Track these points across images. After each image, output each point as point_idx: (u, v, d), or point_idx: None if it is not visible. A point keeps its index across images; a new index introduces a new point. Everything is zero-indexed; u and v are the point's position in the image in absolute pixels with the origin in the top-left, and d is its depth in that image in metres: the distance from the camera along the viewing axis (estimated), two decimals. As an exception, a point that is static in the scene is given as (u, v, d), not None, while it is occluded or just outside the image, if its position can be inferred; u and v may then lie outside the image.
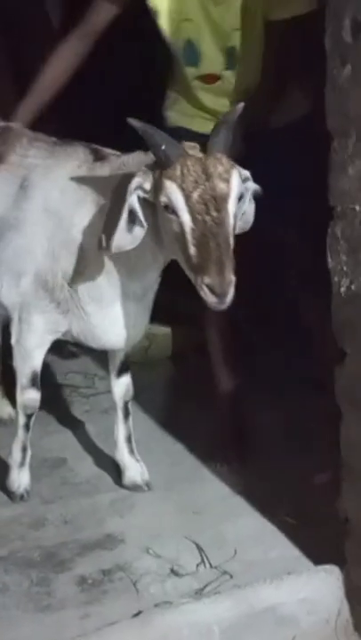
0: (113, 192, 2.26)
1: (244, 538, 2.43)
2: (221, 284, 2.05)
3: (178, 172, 2.09)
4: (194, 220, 2.07)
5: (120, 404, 2.68)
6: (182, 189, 2.08)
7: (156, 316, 2.59)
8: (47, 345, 2.55)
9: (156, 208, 2.19)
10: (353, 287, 1.96)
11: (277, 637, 2.14)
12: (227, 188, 2.09)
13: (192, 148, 2.16)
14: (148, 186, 2.16)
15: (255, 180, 2.21)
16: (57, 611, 2.22)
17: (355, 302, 1.98)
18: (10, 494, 2.63)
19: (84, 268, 2.37)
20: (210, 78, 2.67)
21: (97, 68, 3.22)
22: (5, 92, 3.67)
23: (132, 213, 2.16)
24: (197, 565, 2.34)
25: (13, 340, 2.54)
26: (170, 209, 2.11)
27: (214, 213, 2.07)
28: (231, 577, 2.29)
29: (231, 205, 2.10)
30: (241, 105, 2.16)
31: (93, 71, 2.92)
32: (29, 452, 2.63)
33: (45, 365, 3.34)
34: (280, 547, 2.39)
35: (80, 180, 2.38)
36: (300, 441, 2.79)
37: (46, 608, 2.23)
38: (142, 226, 2.19)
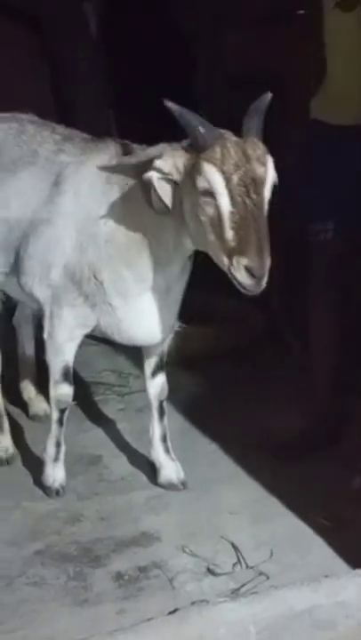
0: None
1: (281, 539, 2.42)
2: (261, 265, 2.08)
3: (218, 155, 2.10)
4: (233, 202, 2.08)
5: (155, 404, 2.68)
6: (222, 172, 2.09)
7: (192, 316, 2.60)
8: (78, 339, 2.57)
9: (181, 193, 2.20)
10: None
11: (314, 640, 2.14)
12: (265, 172, 2.12)
13: (226, 133, 2.17)
14: (167, 168, 2.18)
15: None
16: (94, 605, 2.23)
17: None
18: (45, 489, 2.64)
19: None
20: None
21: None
22: (43, 92, 3.71)
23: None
24: (234, 565, 2.34)
25: (46, 335, 2.56)
26: (207, 192, 2.11)
27: (254, 196, 2.09)
28: (268, 578, 2.29)
29: (268, 189, 2.13)
30: (269, 94, 2.18)
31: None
32: (63, 448, 2.64)
33: (80, 364, 3.38)
34: (317, 549, 2.39)
35: (108, 172, 2.40)
36: (339, 444, 2.78)
37: (83, 602, 2.24)
38: (166, 211, 2.20)
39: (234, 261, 2.10)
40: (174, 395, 2.80)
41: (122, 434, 3.00)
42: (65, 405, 2.62)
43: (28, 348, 3.09)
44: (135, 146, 2.47)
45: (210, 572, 2.32)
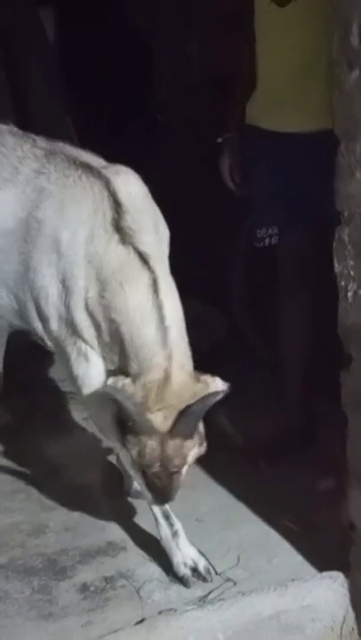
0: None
1: (248, 545, 2.41)
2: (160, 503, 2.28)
3: (138, 447, 2.15)
4: (145, 475, 2.19)
5: None
6: (138, 459, 2.17)
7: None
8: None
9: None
10: (360, 292, 1.96)
11: (282, 645, 2.13)
12: (181, 464, 2.18)
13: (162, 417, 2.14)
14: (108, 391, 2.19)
15: None
16: (59, 618, 2.20)
17: (361, 307, 1.97)
18: None
19: None
20: None
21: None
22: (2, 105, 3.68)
23: None
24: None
25: None
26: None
27: (165, 478, 2.18)
28: (235, 584, 2.27)
29: (181, 467, 2.20)
30: (214, 395, 2.16)
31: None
32: None
33: (45, 371, 3.36)
34: (284, 554, 2.38)
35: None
36: (306, 446, 2.77)
37: (49, 616, 2.21)
38: None
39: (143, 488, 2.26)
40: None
41: (88, 443, 2.97)
42: None
43: None
44: (128, 213, 2.29)
45: (177, 580, 2.30)
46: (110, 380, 2.19)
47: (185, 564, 2.32)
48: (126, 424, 2.15)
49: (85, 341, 2.33)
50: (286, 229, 2.65)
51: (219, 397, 2.14)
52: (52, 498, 2.67)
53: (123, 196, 2.31)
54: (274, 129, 2.59)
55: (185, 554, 2.33)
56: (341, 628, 2.17)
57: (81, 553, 2.43)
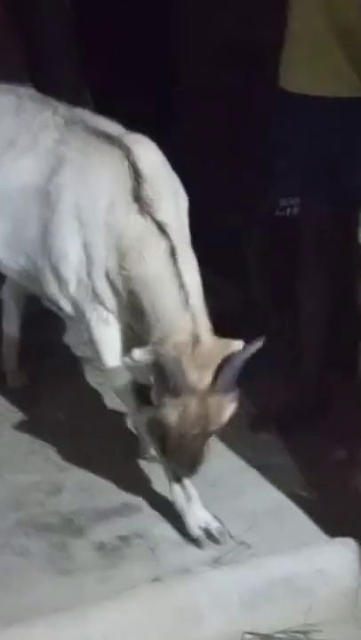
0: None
1: (261, 510, 2.46)
2: (187, 475, 2.30)
3: (176, 414, 2.16)
4: (179, 434, 2.18)
5: None
6: (178, 426, 2.17)
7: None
8: None
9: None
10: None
11: (294, 607, 2.18)
12: (220, 422, 2.21)
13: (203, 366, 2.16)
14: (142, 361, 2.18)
15: None
16: (77, 574, 2.26)
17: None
18: None
19: None
20: None
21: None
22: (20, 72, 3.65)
23: None
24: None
25: None
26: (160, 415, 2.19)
27: (200, 437, 2.20)
28: (249, 547, 2.33)
29: (215, 429, 2.24)
30: (249, 349, 2.19)
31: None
32: None
33: (61, 336, 3.38)
34: (296, 520, 2.43)
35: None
36: (318, 415, 2.80)
37: (66, 571, 2.26)
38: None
39: (165, 461, 2.29)
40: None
41: (103, 406, 3.01)
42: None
43: (13, 323, 3.07)
44: (147, 184, 2.30)
45: (192, 541, 2.35)
46: (140, 350, 2.19)
47: (199, 527, 2.36)
48: (164, 388, 2.15)
49: (106, 308, 2.37)
50: (310, 200, 2.65)
51: (254, 350, 2.17)
52: (67, 459, 2.71)
53: (142, 164, 2.34)
54: (303, 92, 2.57)
55: (199, 517, 2.38)
56: (352, 593, 2.22)
57: (96, 513, 2.48)
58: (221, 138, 3.49)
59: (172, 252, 2.25)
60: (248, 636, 2.12)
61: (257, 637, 2.12)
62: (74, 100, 3.46)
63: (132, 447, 2.74)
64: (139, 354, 2.16)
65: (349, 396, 2.38)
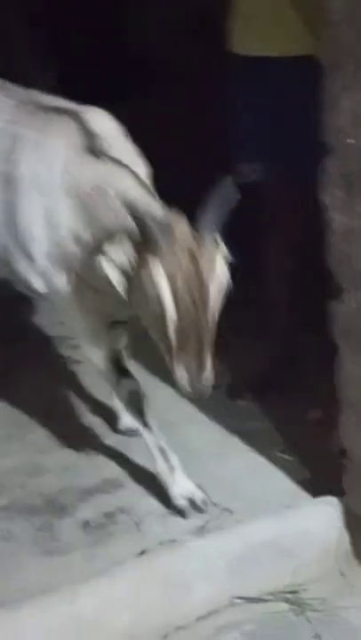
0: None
1: (242, 476, 2.47)
2: (200, 369, 2.06)
3: (164, 255, 2.03)
4: (177, 305, 2.03)
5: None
6: (168, 273, 2.02)
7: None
8: None
9: (129, 279, 2.12)
10: (348, 222, 1.98)
11: (280, 569, 2.20)
12: (214, 276, 2.06)
13: (180, 221, 2.08)
14: (116, 256, 2.12)
15: None
16: (63, 554, 2.26)
17: (350, 238, 2.00)
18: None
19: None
20: None
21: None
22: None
23: None
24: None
25: None
26: (152, 289, 2.05)
27: (200, 301, 2.04)
28: (232, 513, 2.34)
29: (217, 293, 2.07)
30: (230, 179, 2.10)
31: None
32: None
33: (34, 316, 3.36)
34: (278, 482, 2.45)
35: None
36: (291, 377, 2.83)
37: (53, 552, 2.27)
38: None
39: (175, 366, 2.08)
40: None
41: (80, 385, 3.00)
42: (140, 403, 2.42)
43: None
44: (100, 136, 2.30)
45: (175, 512, 2.36)
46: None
47: (182, 496, 2.37)
48: (150, 252, 2.04)
49: (77, 273, 2.34)
50: (268, 163, 2.64)
51: (230, 191, 2.10)
52: (47, 440, 2.72)
53: (94, 125, 2.34)
54: (256, 53, 2.55)
55: (182, 486, 2.38)
56: (336, 550, 2.25)
57: (80, 491, 2.49)
58: (180, 111, 3.46)
59: (136, 176, 2.20)
60: (237, 600, 2.14)
61: (246, 601, 2.14)
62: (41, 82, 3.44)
63: (110, 423, 2.74)
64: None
65: (320, 354, 2.38)
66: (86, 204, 2.25)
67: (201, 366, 2.08)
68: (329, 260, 2.05)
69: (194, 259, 2.05)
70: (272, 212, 2.71)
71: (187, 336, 2.06)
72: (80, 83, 2.77)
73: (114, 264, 2.13)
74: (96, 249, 2.21)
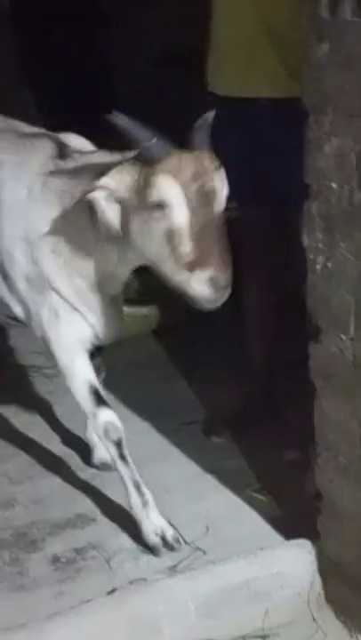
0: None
1: (216, 515, 2.44)
2: (226, 275, 2.04)
3: (174, 165, 2.05)
4: (192, 213, 2.04)
5: None
6: (180, 182, 2.04)
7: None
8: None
9: (127, 212, 2.12)
10: (329, 265, 1.98)
11: (251, 611, 2.17)
12: (220, 184, 2.09)
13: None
14: (114, 185, 2.11)
15: None
16: (31, 590, 2.22)
17: (330, 280, 2.00)
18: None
19: None
20: None
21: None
22: None
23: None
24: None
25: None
26: (161, 205, 2.04)
27: (210, 208, 2.06)
28: (205, 553, 2.31)
29: (223, 199, 2.10)
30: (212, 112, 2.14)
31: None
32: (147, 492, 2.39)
33: (9, 346, 3.34)
34: (252, 523, 2.42)
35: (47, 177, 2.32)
36: (268, 417, 2.81)
37: (20, 587, 2.23)
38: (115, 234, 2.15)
39: (195, 275, 2.05)
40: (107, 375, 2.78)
41: (54, 416, 2.97)
42: (117, 435, 2.37)
43: None
44: (75, 143, 2.38)
45: (147, 549, 2.33)
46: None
47: (155, 533, 2.34)
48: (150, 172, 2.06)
49: (57, 292, 2.33)
50: (248, 202, 2.63)
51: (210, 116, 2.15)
52: (18, 472, 2.68)
53: (68, 140, 2.39)
54: (234, 95, 2.55)
55: (154, 523, 2.35)
56: (309, 594, 2.22)
57: (50, 525, 2.45)
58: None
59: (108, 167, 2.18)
60: (206, 644, 2.11)
61: (216, 644, 2.11)
62: (14, 100, 3.45)
63: (84, 457, 2.71)
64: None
65: (298, 395, 2.37)
66: (63, 204, 2.26)
67: (223, 265, 2.05)
68: (308, 301, 2.05)
69: (203, 168, 2.07)
70: (248, 252, 2.70)
71: (203, 240, 2.04)
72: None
73: (110, 196, 2.12)
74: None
